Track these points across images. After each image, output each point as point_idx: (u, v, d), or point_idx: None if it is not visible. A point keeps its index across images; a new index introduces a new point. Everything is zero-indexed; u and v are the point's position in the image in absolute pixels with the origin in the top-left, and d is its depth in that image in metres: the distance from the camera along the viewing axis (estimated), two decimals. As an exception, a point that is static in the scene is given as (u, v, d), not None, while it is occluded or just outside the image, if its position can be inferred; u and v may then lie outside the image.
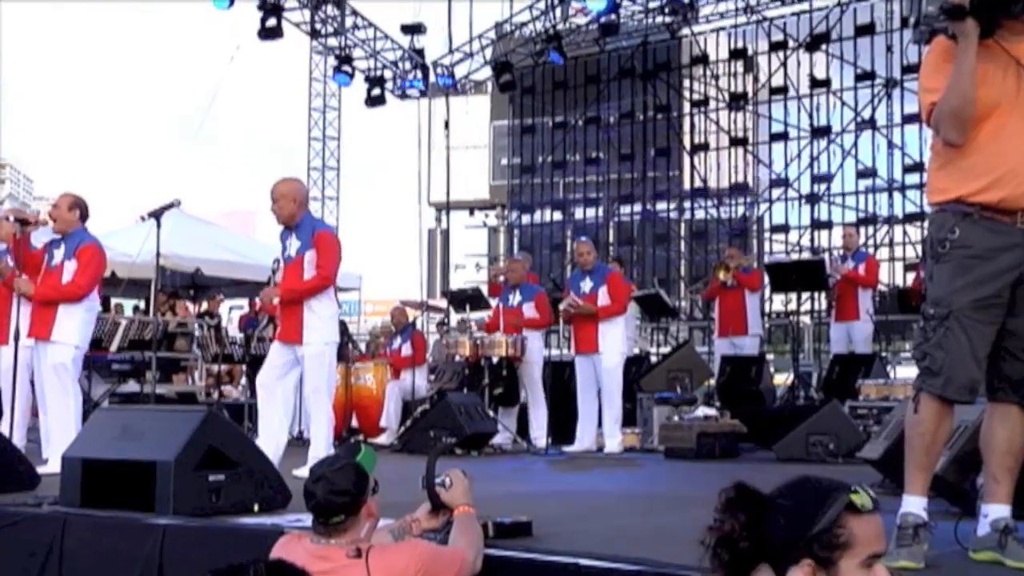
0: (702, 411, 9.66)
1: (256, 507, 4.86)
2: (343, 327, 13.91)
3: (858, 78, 17.23)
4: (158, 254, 7.76)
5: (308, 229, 7.21)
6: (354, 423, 11.22)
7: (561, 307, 10.07)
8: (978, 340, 3.66)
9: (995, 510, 3.68)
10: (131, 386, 10.70)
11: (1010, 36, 3.69)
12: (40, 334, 7.54)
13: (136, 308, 15.56)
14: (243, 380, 13.12)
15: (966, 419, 4.47)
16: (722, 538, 2.33)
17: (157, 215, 7.47)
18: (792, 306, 15.67)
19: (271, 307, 7.86)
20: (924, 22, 3.66)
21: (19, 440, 7.34)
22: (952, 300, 3.68)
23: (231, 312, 17.59)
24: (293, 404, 7.69)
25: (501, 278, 11.88)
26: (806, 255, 16.68)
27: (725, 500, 2.34)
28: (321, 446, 7.03)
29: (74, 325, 7.54)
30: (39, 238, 8.30)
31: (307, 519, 3.59)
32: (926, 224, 16.90)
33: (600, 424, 9.86)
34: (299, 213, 7.21)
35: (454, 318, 14.23)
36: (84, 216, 7.77)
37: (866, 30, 16.93)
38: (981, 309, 3.66)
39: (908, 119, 16.34)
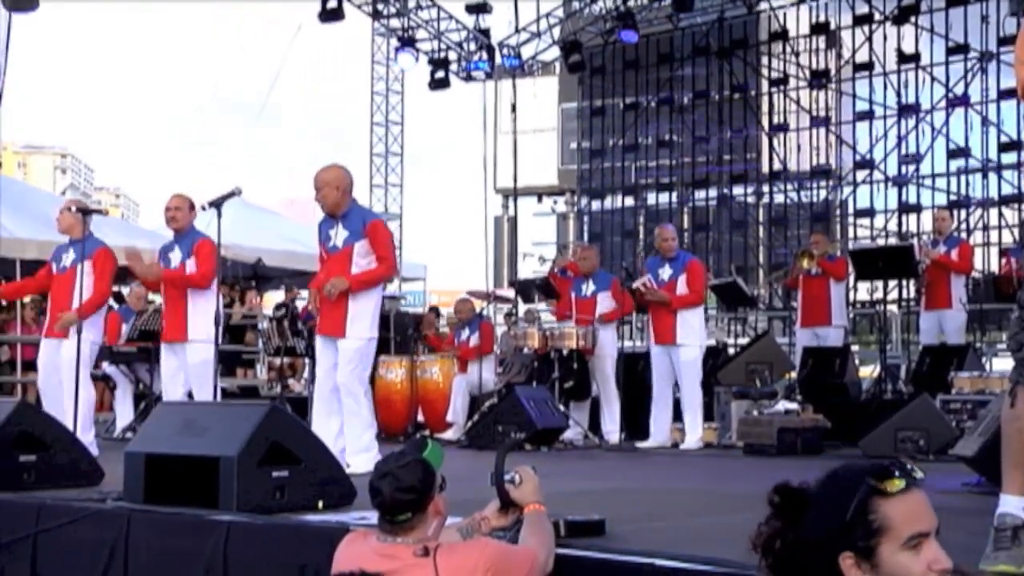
0: (783, 405, 9.60)
1: (321, 504, 4.91)
2: (407, 320, 14.06)
3: (950, 52, 16.94)
4: (219, 243, 7.86)
5: (357, 219, 7.20)
6: (420, 418, 11.30)
7: (635, 285, 10.04)
8: None
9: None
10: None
11: None
12: (176, 336, 8.13)
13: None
14: (306, 373, 13.25)
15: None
16: (767, 539, 2.33)
17: (218, 204, 7.54)
18: (879, 295, 15.56)
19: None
20: None
21: (82, 435, 7.51)
22: None
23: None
24: None
25: (560, 269, 11.89)
26: (893, 241, 16.50)
27: (768, 501, 2.35)
28: (355, 445, 7.06)
29: (206, 322, 7.99)
30: (99, 229, 8.61)
31: (373, 517, 3.62)
32: None
33: (675, 418, 9.84)
34: (345, 201, 7.20)
35: (522, 308, 14.26)
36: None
37: (959, 0, 16.62)
38: None
39: (1004, 94, 16.01)
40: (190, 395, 8.21)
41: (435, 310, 16.57)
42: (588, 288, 10.58)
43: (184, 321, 8.11)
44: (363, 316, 7.21)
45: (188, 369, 8.15)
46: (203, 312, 8.07)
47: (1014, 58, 3.88)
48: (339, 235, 7.17)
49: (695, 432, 9.70)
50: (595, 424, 10.53)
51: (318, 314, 7.58)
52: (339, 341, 7.17)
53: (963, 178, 17.11)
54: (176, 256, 8.29)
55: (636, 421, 10.11)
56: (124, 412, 10.69)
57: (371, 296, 7.30)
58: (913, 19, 17.13)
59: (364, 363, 7.34)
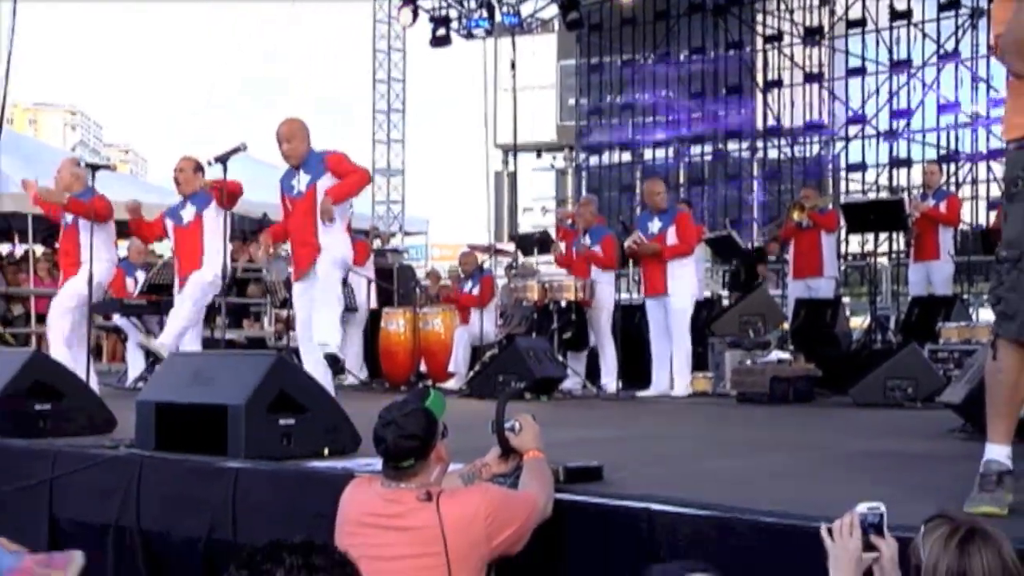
0: (775, 355, 9.62)
1: (326, 451, 4.93)
2: (411, 272, 14.06)
3: (941, 8, 16.80)
4: (225, 197, 7.84)
5: (315, 161, 7.19)
6: (423, 368, 11.31)
7: (626, 244, 10.05)
8: None
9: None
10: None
11: None
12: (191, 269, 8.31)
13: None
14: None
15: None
16: None
17: (223, 160, 7.52)
18: (869, 247, 15.50)
19: (275, 232, 7.98)
20: None
21: (94, 384, 7.54)
22: None
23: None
24: None
25: (569, 221, 11.88)
26: (884, 194, 16.47)
27: None
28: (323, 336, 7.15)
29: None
30: (107, 185, 8.67)
31: (377, 463, 3.64)
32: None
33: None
34: (305, 148, 7.22)
35: (522, 261, 14.25)
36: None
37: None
38: None
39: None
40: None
41: (435, 273, 16.62)
42: (584, 240, 10.58)
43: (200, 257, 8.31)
44: (333, 247, 7.18)
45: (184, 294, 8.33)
46: (211, 258, 8.25)
47: (992, 18, 3.85)
48: (302, 181, 7.19)
49: (684, 379, 9.73)
50: (593, 374, 10.56)
51: (270, 262, 7.62)
52: (315, 267, 7.17)
53: (953, 133, 17.04)
54: (188, 213, 8.46)
55: (634, 370, 10.15)
56: (135, 363, 10.70)
57: (338, 229, 7.25)
58: (905, -24, 17.03)
59: (337, 276, 7.34)
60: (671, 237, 9.71)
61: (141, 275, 11.33)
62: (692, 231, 10.13)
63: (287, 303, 11.52)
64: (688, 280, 9.86)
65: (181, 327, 8.26)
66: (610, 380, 10.24)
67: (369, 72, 21.78)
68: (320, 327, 7.13)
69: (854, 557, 2.75)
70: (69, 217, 8.59)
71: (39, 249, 15.57)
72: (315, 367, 6.92)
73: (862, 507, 2.77)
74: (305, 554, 1.97)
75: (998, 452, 3.65)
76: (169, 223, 8.66)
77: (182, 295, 8.40)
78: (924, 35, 17.11)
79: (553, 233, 13.00)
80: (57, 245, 9.98)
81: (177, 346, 8.19)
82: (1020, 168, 3.65)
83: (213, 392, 5.07)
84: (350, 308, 10.71)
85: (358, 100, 21.84)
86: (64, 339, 8.40)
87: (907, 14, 17.10)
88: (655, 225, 9.80)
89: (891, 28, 17.39)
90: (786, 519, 3.32)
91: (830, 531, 2.79)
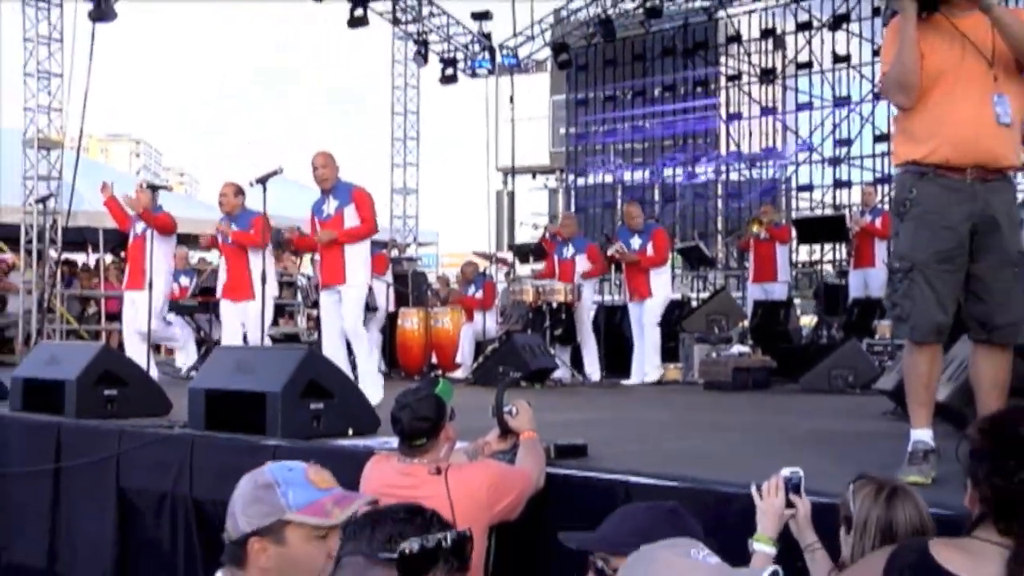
0: (737, 349, 9.63)
1: (350, 431, 4.93)
2: (423, 277, 14.04)
3: (875, 53, 16.61)
4: (265, 215, 7.83)
5: (344, 190, 7.28)
6: (433, 360, 11.30)
7: (608, 252, 10.08)
8: (943, 288, 3.57)
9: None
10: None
11: (956, 11, 3.58)
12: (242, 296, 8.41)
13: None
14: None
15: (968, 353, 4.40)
16: None
17: (263, 181, 7.53)
18: (816, 256, 15.52)
19: (299, 240, 8.04)
20: (887, 5, 3.62)
21: (154, 373, 7.56)
22: (914, 255, 3.59)
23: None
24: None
25: (549, 234, 11.88)
26: (829, 211, 16.43)
27: None
28: (369, 372, 7.26)
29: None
30: (165, 203, 8.78)
31: (394, 442, 3.64)
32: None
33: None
34: (334, 177, 7.30)
35: (519, 269, 14.24)
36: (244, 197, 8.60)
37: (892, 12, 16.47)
38: (943, 260, 3.57)
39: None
40: (245, 338, 8.28)
41: (444, 278, 16.58)
42: (569, 251, 10.57)
43: (249, 282, 8.35)
44: (357, 267, 7.23)
45: (247, 321, 8.31)
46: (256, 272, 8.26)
47: (882, 59, 3.85)
48: (331, 205, 7.29)
49: (653, 367, 9.75)
50: (577, 364, 10.54)
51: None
52: (340, 288, 7.18)
53: (887, 159, 16.96)
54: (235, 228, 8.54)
55: (616, 363, 10.15)
56: (187, 355, 10.70)
57: (360, 249, 7.30)
58: (845, 26, 17.02)
59: (362, 307, 7.41)
60: (650, 251, 9.76)
61: (184, 279, 11.32)
62: (666, 244, 10.16)
63: (317, 304, 11.54)
64: (665, 284, 9.92)
65: None
66: (594, 370, 10.23)
67: (367, 99, 21.75)
68: (364, 375, 7.24)
69: (777, 512, 2.83)
70: (139, 228, 8.64)
71: (108, 258, 15.60)
72: (338, 356, 6.97)
73: (785, 471, 2.86)
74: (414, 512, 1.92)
75: (922, 435, 3.66)
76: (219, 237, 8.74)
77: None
78: (861, 76, 17.09)
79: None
80: (123, 254, 10.06)
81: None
82: (907, 190, 3.65)
83: (254, 380, 5.07)
84: (371, 308, 10.68)
85: (371, 90, 21.76)
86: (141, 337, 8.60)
87: (847, 58, 17.13)
88: (636, 242, 9.86)
89: (834, 70, 17.40)
90: (745, 489, 3.32)
91: (759, 490, 2.88)
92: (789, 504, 2.83)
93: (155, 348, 8.70)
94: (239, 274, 8.42)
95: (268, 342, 8.28)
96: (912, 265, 3.59)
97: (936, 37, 3.57)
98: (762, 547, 2.80)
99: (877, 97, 16.70)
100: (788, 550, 2.84)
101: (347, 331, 7.23)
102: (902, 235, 3.66)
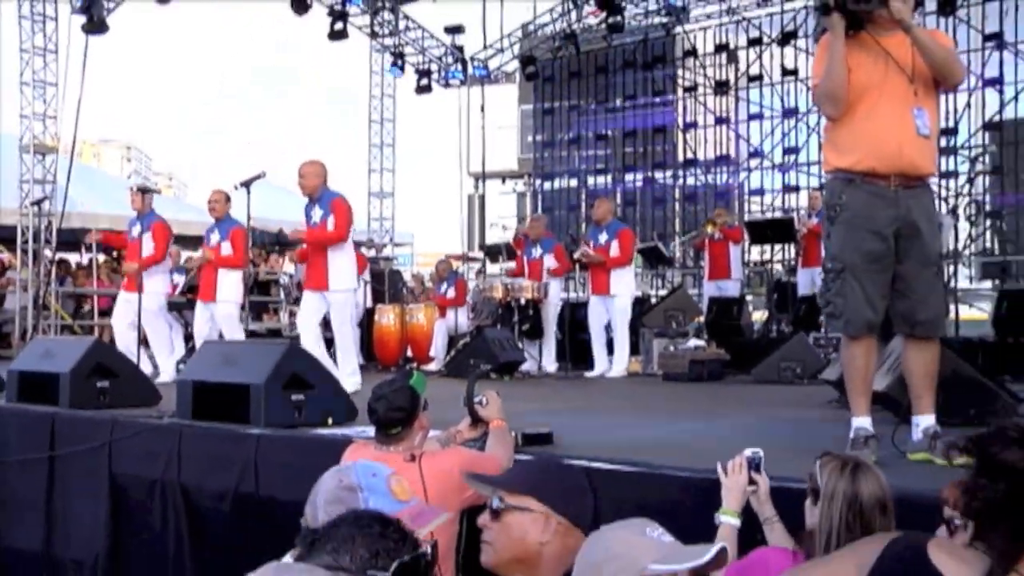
0: (693, 342, 9.67)
1: (329, 421, 4.92)
2: (399, 276, 14.02)
3: (821, 66, 16.93)
4: (248, 216, 7.80)
5: (327, 200, 7.28)
6: (408, 353, 11.29)
7: (575, 256, 10.09)
8: (871, 287, 3.63)
9: (924, 420, 3.70)
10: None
11: (880, 30, 3.65)
12: (208, 297, 8.44)
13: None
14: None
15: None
16: None
17: (247, 184, 7.54)
18: (767, 256, 15.63)
19: (304, 253, 8.21)
20: (818, 22, 3.68)
21: (144, 366, 7.53)
22: (845, 256, 3.65)
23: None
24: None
25: (520, 235, 11.89)
26: (778, 214, 16.55)
27: None
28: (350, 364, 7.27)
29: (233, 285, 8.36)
30: (162, 206, 8.91)
31: (370, 431, 3.64)
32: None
33: (610, 352, 9.89)
34: (319, 187, 7.30)
35: (489, 267, 14.26)
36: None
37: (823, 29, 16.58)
38: (871, 261, 3.63)
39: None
40: (221, 336, 8.31)
41: (419, 276, 16.60)
42: (537, 251, 10.57)
43: (214, 286, 8.42)
44: (339, 274, 7.27)
45: (217, 320, 8.39)
46: (232, 279, 8.35)
47: (813, 72, 3.91)
48: (316, 214, 7.31)
49: (622, 363, 9.75)
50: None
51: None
52: (324, 294, 7.24)
53: (832, 165, 17.16)
54: (215, 237, 8.58)
55: (578, 355, 10.16)
56: (176, 349, 10.62)
57: (343, 254, 7.33)
58: (793, 42, 17.17)
59: (346, 310, 7.42)
60: (614, 248, 9.72)
61: (179, 277, 11.23)
62: (631, 244, 10.16)
63: (299, 301, 11.50)
64: (629, 282, 9.93)
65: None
66: (550, 362, 10.27)
67: (366, 103, 21.73)
68: (343, 368, 7.23)
69: (741, 488, 2.92)
70: (135, 232, 8.75)
71: (101, 257, 15.49)
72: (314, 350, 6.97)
73: (748, 451, 2.95)
74: (383, 523, 1.82)
75: (862, 422, 3.72)
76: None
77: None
78: (807, 88, 17.17)
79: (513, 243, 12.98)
80: (115, 253, 10.09)
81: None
82: (836, 196, 3.70)
83: (239, 373, 5.05)
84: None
85: (358, 134, 21.65)
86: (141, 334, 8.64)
87: (795, 71, 17.28)
88: (602, 237, 9.82)
89: (783, 82, 17.57)
90: (700, 473, 3.35)
91: (725, 469, 2.97)
92: (751, 481, 2.92)
93: (144, 343, 8.66)
94: (211, 279, 8.52)
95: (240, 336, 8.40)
96: (844, 266, 3.65)
97: (862, 54, 3.63)
98: (728, 519, 2.90)
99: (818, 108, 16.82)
100: (748, 523, 2.92)
101: (334, 330, 7.34)
102: (834, 238, 3.72)
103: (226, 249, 8.40)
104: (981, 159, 13.48)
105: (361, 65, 21.32)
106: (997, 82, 15.01)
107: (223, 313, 8.32)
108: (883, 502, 2.55)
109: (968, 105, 15.29)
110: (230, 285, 8.34)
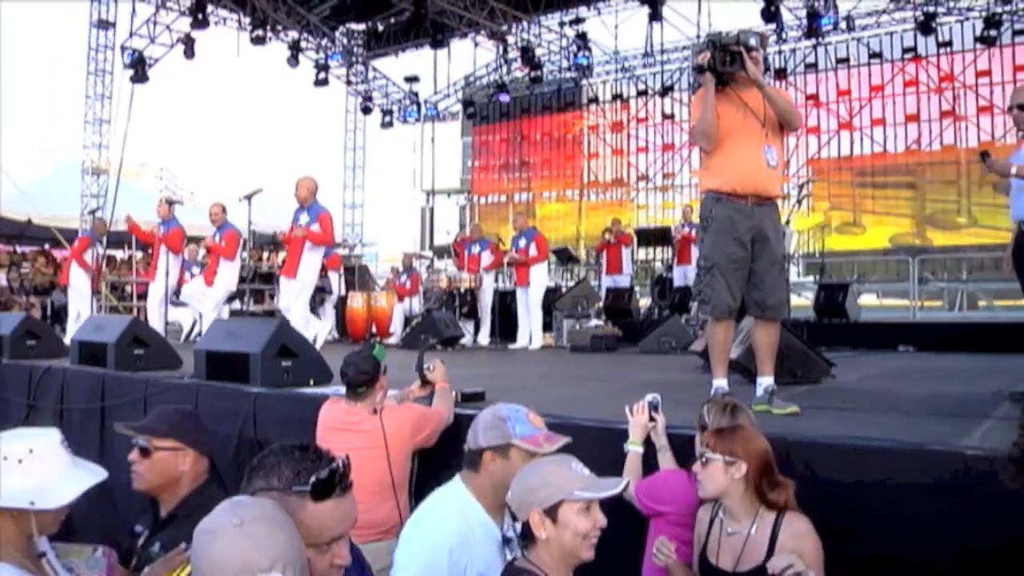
0: (594, 322, 9.76)
1: (311, 382, 4.85)
2: (366, 270, 13.84)
3: (690, 114, 17.15)
4: (249, 222, 7.65)
5: (315, 211, 7.19)
6: (373, 330, 11.18)
7: (506, 260, 10.11)
8: (733, 281, 3.71)
9: (765, 380, 3.77)
10: (234, 305, 10.60)
11: (741, 87, 3.74)
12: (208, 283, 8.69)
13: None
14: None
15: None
16: None
17: (249, 197, 7.38)
18: (651, 256, 15.83)
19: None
20: (695, 78, 3.73)
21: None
22: (714, 256, 3.73)
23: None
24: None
25: (460, 239, 11.84)
26: (659, 224, 16.78)
27: None
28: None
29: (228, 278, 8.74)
30: (186, 215, 9.62)
31: (342, 390, 3.59)
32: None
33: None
34: (311, 198, 7.20)
35: (437, 263, 14.17)
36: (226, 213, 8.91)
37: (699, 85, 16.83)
38: (734, 261, 3.71)
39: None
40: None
41: (396, 269, 16.45)
42: (475, 249, 10.55)
43: (214, 273, 8.70)
44: (306, 269, 7.20)
45: (207, 295, 8.65)
46: (225, 269, 8.59)
47: (691, 114, 3.98)
48: (303, 219, 7.18)
49: (538, 338, 9.78)
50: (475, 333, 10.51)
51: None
52: (291, 281, 7.18)
53: (697, 188, 17.42)
54: (217, 237, 8.81)
55: (505, 331, 10.16)
56: (185, 324, 10.39)
57: (313, 257, 7.24)
58: (671, 93, 17.48)
59: (304, 298, 7.31)
60: (532, 249, 9.73)
61: (196, 269, 10.96)
62: (545, 246, 10.18)
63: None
64: (542, 276, 9.94)
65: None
66: (483, 336, 10.25)
67: (342, 135, 21.45)
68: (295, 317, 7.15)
69: (643, 425, 2.99)
70: (160, 232, 9.06)
71: (139, 254, 15.26)
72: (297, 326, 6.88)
73: (649, 396, 3.02)
74: (303, 449, 1.81)
75: (721, 383, 3.77)
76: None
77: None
78: (682, 130, 17.51)
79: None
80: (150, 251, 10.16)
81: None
82: (708, 210, 3.79)
83: (240, 344, 4.96)
84: (328, 291, 10.54)
85: (335, 160, 21.38)
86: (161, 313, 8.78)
87: (672, 116, 17.59)
88: (522, 242, 9.83)
89: (663, 124, 17.86)
90: (601, 424, 3.37)
91: (631, 410, 3.04)
92: (651, 418, 2.99)
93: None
94: (212, 268, 8.78)
95: (225, 315, 8.64)
96: (713, 264, 3.72)
97: (727, 104, 3.71)
98: (634, 448, 2.97)
99: (691, 144, 17.10)
100: (648, 454, 2.99)
101: (290, 309, 7.21)
102: (706, 242, 3.78)
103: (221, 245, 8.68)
104: (805, 185, 13.98)
105: (338, 105, 21.14)
106: (816, 130, 15.74)
107: (211, 292, 8.62)
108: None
109: (796, 146, 15.88)
110: (223, 273, 8.65)
